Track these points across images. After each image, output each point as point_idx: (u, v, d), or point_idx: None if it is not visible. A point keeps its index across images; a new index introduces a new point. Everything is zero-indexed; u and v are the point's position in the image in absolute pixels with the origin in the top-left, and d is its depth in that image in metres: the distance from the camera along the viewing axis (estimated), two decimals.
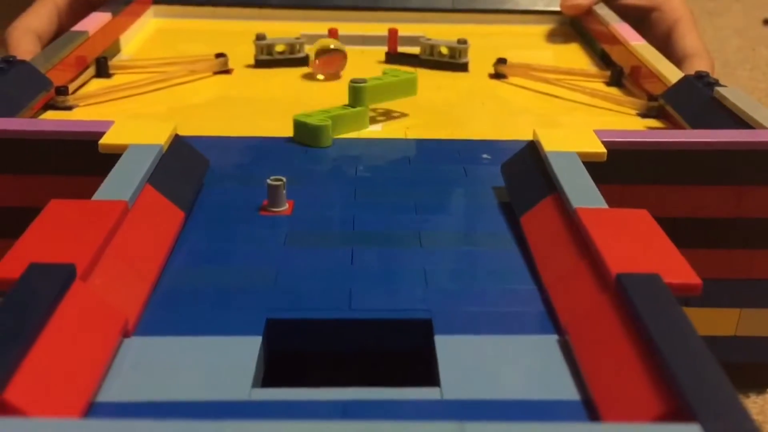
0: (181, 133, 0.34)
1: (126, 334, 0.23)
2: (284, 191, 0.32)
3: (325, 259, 0.28)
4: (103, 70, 0.50)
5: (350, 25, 0.60)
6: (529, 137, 0.34)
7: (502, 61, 0.53)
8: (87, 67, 0.50)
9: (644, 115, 0.46)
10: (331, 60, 0.51)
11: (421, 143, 0.41)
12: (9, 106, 0.38)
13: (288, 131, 0.41)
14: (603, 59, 0.57)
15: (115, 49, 0.55)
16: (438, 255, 0.29)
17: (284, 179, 0.32)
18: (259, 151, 0.39)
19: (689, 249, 0.25)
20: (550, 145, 0.32)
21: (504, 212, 0.32)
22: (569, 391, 0.21)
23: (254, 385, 0.21)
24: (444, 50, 0.54)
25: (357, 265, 0.28)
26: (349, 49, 0.55)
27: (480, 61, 0.54)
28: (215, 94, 0.49)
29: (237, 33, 0.59)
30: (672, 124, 0.43)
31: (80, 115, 0.44)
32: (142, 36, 0.60)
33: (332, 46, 0.51)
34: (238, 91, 0.49)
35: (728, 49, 0.97)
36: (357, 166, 0.37)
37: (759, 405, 0.38)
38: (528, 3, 0.64)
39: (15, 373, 0.18)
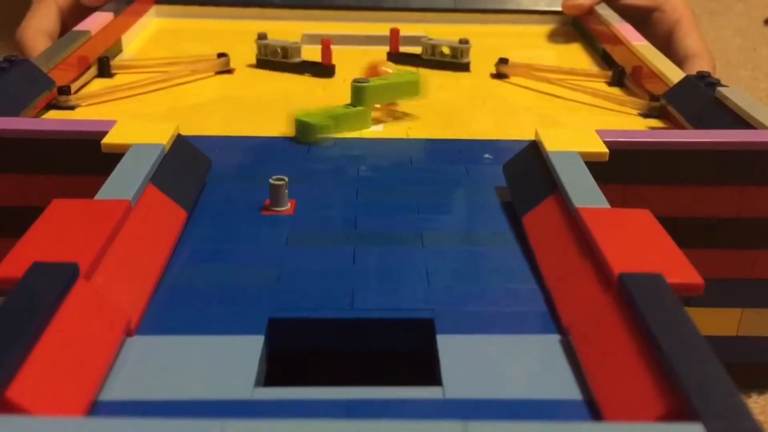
0: (184, 132, 0.35)
1: (129, 333, 0.23)
2: (286, 191, 0.32)
3: (327, 258, 0.28)
4: (105, 69, 0.50)
5: (352, 25, 0.60)
6: (531, 137, 0.34)
7: (503, 61, 0.53)
8: (89, 67, 0.50)
9: (646, 115, 0.46)
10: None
11: (422, 143, 0.41)
12: (11, 106, 0.38)
13: (290, 130, 0.41)
14: (604, 59, 0.57)
15: (117, 48, 0.55)
16: (440, 255, 0.29)
17: (286, 179, 0.32)
18: (261, 150, 0.39)
19: (691, 249, 0.25)
20: (551, 144, 0.32)
21: (506, 212, 0.32)
22: (572, 391, 0.21)
23: (257, 384, 0.21)
24: (446, 50, 0.54)
25: (359, 264, 0.28)
26: (351, 49, 0.56)
27: (482, 61, 0.54)
28: (217, 93, 0.49)
29: (239, 33, 0.59)
30: (673, 124, 0.43)
31: (82, 114, 0.44)
32: (144, 36, 0.60)
33: (383, 69, 0.47)
34: (240, 90, 0.49)
35: (730, 49, 0.97)
36: (359, 165, 0.37)
37: (761, 405, 0.38)
38: (530, 3, 0.64)
39: (18, 371, 0.18)
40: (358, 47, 0.57)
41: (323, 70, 0.52)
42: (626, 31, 0.53)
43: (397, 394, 0.21)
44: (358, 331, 0.25)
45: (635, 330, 0.21)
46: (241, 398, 0.21)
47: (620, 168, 0.33)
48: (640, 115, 0.46)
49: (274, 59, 0.53)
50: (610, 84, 0.52)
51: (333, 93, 0.48)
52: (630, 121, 0.45)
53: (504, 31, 0.63)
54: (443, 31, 0.59)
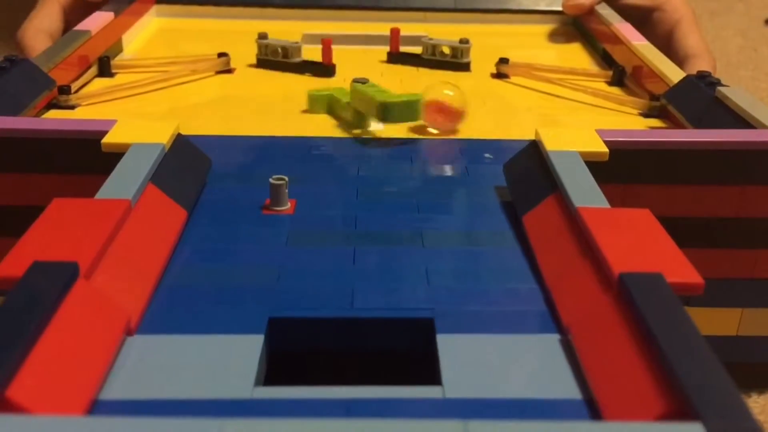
0: (184, 132, 0.35)
1: (129, 333, 0.23)
2: (286, 190, 0.32)
3: (327, 258, 0.28)
4: (105, 69, 0.50)
5: (352, 25, 0.60)
6: (531, 137, 0.34)
7: (504, 60, 0.53)
8: (89, 67, 0.50)
9: (646, 114, 0.46)
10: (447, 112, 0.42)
11: (423, 142, 0.41)
12: (12, 105, 0.38)
13: (290, 131, 0.41)
14: (605, 59, 0.57)
15: (118, 48, 0.55)
16: (440, 254, 0.29)
17: (286, 178, 0.32)
18: (261, 150, 0.39)
19: (691, 248, 0.25)
20: (552, 144, 0.32)
21: (506, 211, 0.32)
22: (571, 390, 0.21)
23: (257, 383, 0.21)
24: (446, 50, 0.54)
25: (359, 264, 0.28)
26: (351, 49, 0.56)
27: (482, 60, 0.54)
28: (217, 93, 0.49)
29: (239, 32, 0.59)
30: (674, 123, 0.43)
31: (83, 114, 0.44)
32: (145, 35, 0.60)
33: (448, 98, 0.41)
34: (241, 90, 0.49)
35: (730, 49, 0.97)
36: (359, 165, 0.37)
37: (761, 405, 0.38)
38: (530, 3, 0.64)
39: (18, 371, 0.18)
40: (358, 47, 0.57)
41: (324, 69, 0.52)
42: (626, 30, 0.53)
43: (396, 393, 0.21)
44: (357, 330, 0.25)
45: (635, 330, 0.21)
46: (240, 398, 0.21)
47: (620, 168, 0.33)
48: (641, 114, 0.46)
49: (275, 59, 0.53)
50: (611, 84, 0.52)
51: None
52: (630, 121, 0.45)
53: (504, 31, 0.63)
54: (443, 31, 0.59)
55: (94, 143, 0.32)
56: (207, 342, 0.23)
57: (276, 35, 0.54)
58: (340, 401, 0.20)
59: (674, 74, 0.45)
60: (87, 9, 0.56)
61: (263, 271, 0.27)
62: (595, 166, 0.31)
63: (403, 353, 0.25)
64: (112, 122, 0.33)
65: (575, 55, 0.59)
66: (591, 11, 0.60)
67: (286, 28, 0.58)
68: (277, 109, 0.46)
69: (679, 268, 0.23)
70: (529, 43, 0.61)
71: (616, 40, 0.54)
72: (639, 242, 0.25)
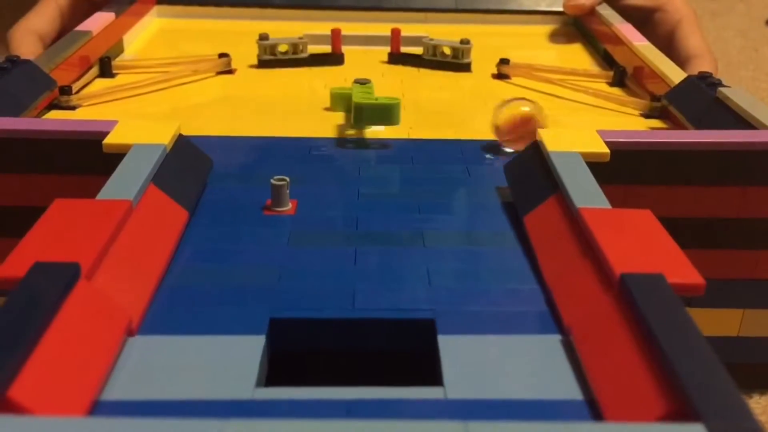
0: (185, 132, 0.35)
1: (130, 333, 0.23)
2: (288, 191, 0.32)
3: (328, 258, 0.28)
4: (106, 69, 0.50)
5: (353, 25, 0.60)
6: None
7: (504, 61, 0.53)
8: (90, 67, 0.50)
9: (647, 115, 0.46)
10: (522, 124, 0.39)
11: (424, 143, 0.41)
12: (13, 106, 0.38)
13: (291, 131, 0.41)
14: (606, 59, 0.57)
15: (119, 49, 0.55)
16: (441, 255, 0.29)
17: (288, 179, 0.32)
18: (262, 150, 0.39)
19: (692, 249, 0.25)
20: (553, 145, 0.32)
21: (507, 212, 0.32)
22: (572, 391, 0.21)
23: (258, 384, 0.21)
24: (447, 50, 0.54)
25: (360, 264, 0.28)
26: (352, 49, 0.56)
27: (483, 61, 0.54)
28: (218, 93, 0.49)
29: (240, 33, 0.59)
30: (675, 124, 0.43)
31: (84, 114, 0.44)
32: (146, 36, 0.60)
33: (524, 109, 0.39)
34: (242, 91, 0.49)
35: (731, 49, 0.96)
36: (360, 165, 0.37)
37: (762, 405, 0.38)
38: (531, 3, 0.64)
39: (19, 371, 0.18)
40: (359, 47, 0.57)
41: (334, 58, 0.53)
42: (627, 31, 0.53)
43: (398, 394, 0.21)
44: (359, 331, 0.25)
45: (636, 330, 0.21)
46: (242, 398, 0.21)
47: (621, 168, 0.33)
48: (642, 115, 0.46)
49: (283, 57, 0.53)
50: (612, 84, 0.52)
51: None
52: (631, 122, 0.45)
53: (505, 32, 0.63)
54: (444, 32, 0.59)
55: (95, 144, 0.32)
56: (208, 342, 0.23)
57: (277, 36, 0.54)
58: (341, 402, 0.20)
59: (675, 75, 0.45)
60: (87, 10, 0.56)
61: (264, 271, 0.27)
62: (596, 166, 0.31)
63: (404, 354, 0.25)
64: (114, 123, 0.34)
65: (576, 56, 0.59)
66: (592, 12, 0.60)
67: (287, 29, 0.58)
68: (278, 110, 0.46)
69: (680, 269, 0.23)
70: (530, 43, 0.61)
71: (617, 40, 0.54)
72: (640, 243, 0.25)
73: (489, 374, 0.22)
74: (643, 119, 0.45)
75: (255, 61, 0.53)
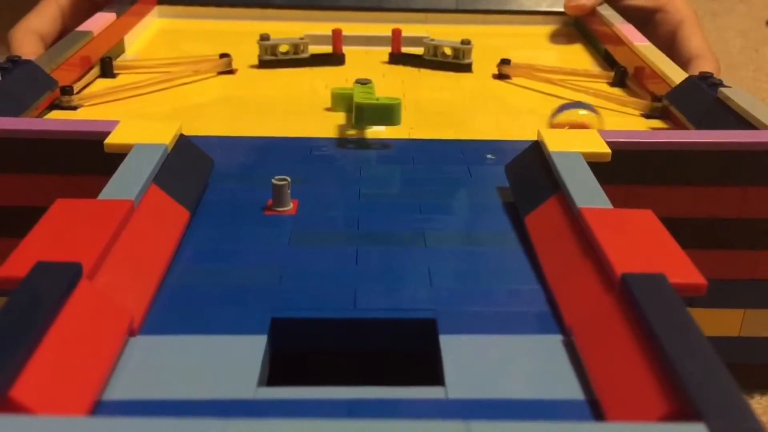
0: (186, 132, 0.35)
1: (132, 333, 0.23)
2: (289, 191, 0.32)
3: (329, 258, 0.28)
4: (107, 70, 0.50)
5: (354, 26, 0.60)
6: (533, 137, 0.34)
7: (505, 61, 0.53)
8: (92, 67, 0.50)
9: (648, 115, 0.46)
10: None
11: (425, 143, 0.41)
12: (14, 106, 0.38)
13: (292, 131, 0.41)
14: (606, 60, 0.57)
15: (120, 49, 0.55)
16: (442, 255, 0.29)
17: (289, 179, 0.32)
18: (263, 150, 0.39)
19: (694, 249, 0.25)
20: (554, 145, 0.32)
21: (508, 212, 0.32)
22: (574, 391, 0.21)
23: (259, 384, 0.21)
24: (447, 51, 0.54)
25: (361, 264, 0.28)
26: (353, 50, 0.56)
27: (483, 61, 0.54)
28: (219, 94, 0.49)
29: (241, 33, 0.59)
30: (676, 124, 0.43)
31: (85, 114, 0.44)
32: (147, 36, 0.60)
33: (582, 113, 0.40)
34: (243, 91, 0.49)
35: (732, 50, 0.96)
36: (361, 166, 0.37)
37: (763, 405, 0.38)
38: (532, 4, 0.64)
39: (21, 371, 0.18)
40: (360, 48, 0.57)
41: (335, 58, 0.53)
42: (628, 31, 0.53)
43: (399, 394, 0.21)
44: (360, 331, 0.25)
45: (638, 330, 0.21)
46: (243, 398, 0.21)
47: (622, 168, 0.33)
48: (643, 115, 0.46)
49: (284, 57, 0.53)
50: (612, 84, 0.52)
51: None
52: (632, 122, 0.45)
53: (506, 32, 0.63)
54: (445, 32, 0.59)
55: (96, 144, 0.32)
56: (210, 342, 0.23)
57: (278, 36, 0.54)
58: (343, 402, 0.20)
59: (676, 75, 0.45)
60: (88, 10, 0.56)
61: (266, 271, 0.27)
62: (597, 166, 0.31)
63: (406, 354, 0.25)
64: (115, 123, 0.34)
65: (577, 56, 0.59)
66: (593, 12, 0.60)
67: (288, 29, 0.58)
68: (279, 110, 0.46)
69: (681, 269, 0.23)
70: (531, 43, 0.61)
71: (618, 40, 0.54)
72: (641, 243, 0.25)
73: (490, 374, 0.22)
74: (644, 119, 0.45)
75: (256, 62, 0.53)
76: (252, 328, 0.24)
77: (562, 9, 0.63)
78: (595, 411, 0.20)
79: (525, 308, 0.25)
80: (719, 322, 0.36)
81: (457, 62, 0.54)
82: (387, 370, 0.25)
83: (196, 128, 0.39)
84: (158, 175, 0.30)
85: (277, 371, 0.24)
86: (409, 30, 0.57)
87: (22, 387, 0.18)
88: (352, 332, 0.25)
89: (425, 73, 0.54)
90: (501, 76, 0.53)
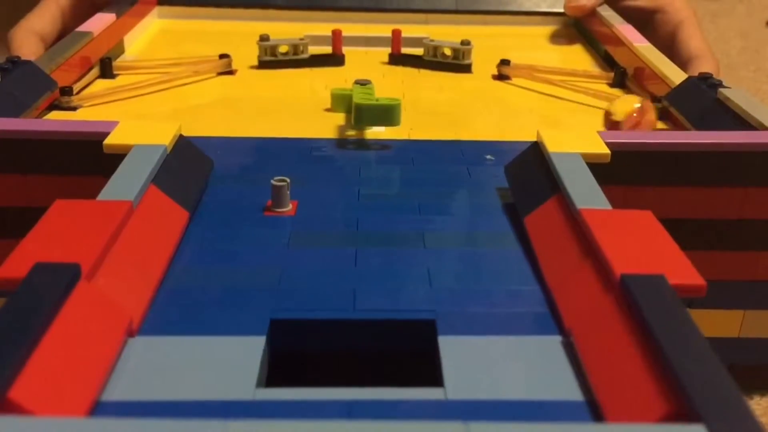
0: (186, 133, 0.35)
1: (131, 334, 0.23)
2: (288, 192, 0.32)
3: (328, 259, 0.28)
4: (107, 70, 0.50)
5: (354, 26, 0.60)
6: (533, 138, 0.34)
7: (505, 62, 0.53)
8: (91, 68, 0.50)
9: None
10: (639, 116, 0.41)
11: (424, 144, 0.41)
12: (14, 107, 0.38)
13: (291, 132, 0.41)
14: (606, 60, 0.57)
15: (120, 49, 0.55)
16: (442, 256, 0.29)
17: (288, 180, 0.32)
18: (262, 151, 0.39)
19: (693, 250, 0.25)
20: (553, 146, 0.32)
21: (507, 213, 0.32)
22: (573, 392, 0.21)
23: (258, 384, 0.21)
24: (447, 51, 0.54)
25: (361, 265, 0.28)
26: (353, 50, 0.56)
27: (483, 62, 0.54)
28: (219, 94, 0.49)
29: (241, 34, 0.59)
30: (675, 125, 0.43)
31: (84, 115, 0.44)
32: (147, 37, 0.60)
33: (636, 105, 0.41)
34: (242, 91, 0.49)
35: (731, 50, 0.97)
36: (360, 166, 0.37)
37: (763, 407, 0.38)
38: (531, 4, 0.64)
39: (20, 372, 0.18)
40: (360, 48, 0.57)
41: (335, 59, 0.53)
42: (628, 32, 0.53)
43: (398, 394, 0.21)
44: (359, 332, 0.25)
45: (637, 331, 0.21)
46: (242, 399, 0.21)
47: (622, 169, 0.33)
48: None
49: (284, 57, 0.53)
50: (612, 85, 0.52)
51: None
52: None
53: (506, 33, 0.63)
54: (445, 33, 0.59)
55: (96, 144, 0.32)
56: (209, 343, 0.23)
57: (277, 36, 0.54)
58: (342, 402, 0.20)
59: (676, 76, 0.45)
60: (88, 11, 0.56)
61: (265, 272, 0.27)
62: (596, 167, 0.31)
63: (405, 354, 0.25)
64: (114, 123, 0.34)
65: (577, 57, 0.59)
66: (592, 13, 0.60)
67: (288, 30, 0.58)
68: (279, 111, 0.46)
69: (681, 270, 0.23)
70: (531, 44, 0.61)
71: (618, 41, 0.54)
72: (641, 244, 0.25)
73: (490, 375, 0.22)
74: None
75: (256, 62, 0.53)
76: (251, 329, 0.24)
77: (561, 10, 0.63)
78: (595, 412, 0.20)
79: (524, 309, 0.25)
80: (719, 323, 0.36)
81: (456, 63, 0.54)
82: (386, 371, 0.25)
83: (196, 129, 0.39)
84: (157, 176, 0.30)
85: (276, 372, 0.24)
86: (408, 31, 0.57)
87: (20, 388, 0.18)
88: (351, 333, 0.25)
89: (425, 73, 0.54)
90: (501, 77, 0.53)
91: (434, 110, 0.47)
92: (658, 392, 0.19)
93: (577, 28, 0.64)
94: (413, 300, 0.26)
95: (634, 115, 0.41)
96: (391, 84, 0.51)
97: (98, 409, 0.20)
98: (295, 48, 0.53)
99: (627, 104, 0.41)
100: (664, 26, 0.59)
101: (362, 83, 0.43)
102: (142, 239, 0.27)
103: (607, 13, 0.58)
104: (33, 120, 0.39)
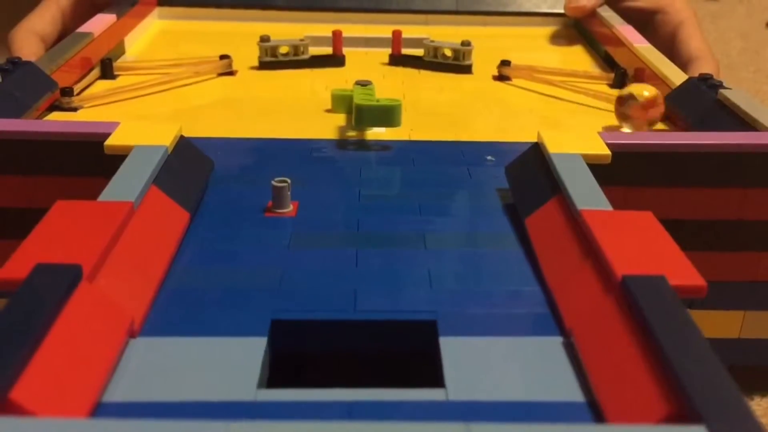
0: (186, 134, 0.35)
1: (132, 335, 0.23)
2: (289, 192, 0.32)
3: (329, 260, 0.28)
4: (107, 71, 0.50)
5: (354, 27, 0.60)
6: (533, 139, 0.34)
7: (505, 63, 0.53)
8: (92, 69, 0.50)
9: None
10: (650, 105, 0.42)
11: (425, 145, 0.41)
12: (14, 107, 0.38)
13: (292, 133, 0.41)
14: (607, 61, 0.57)
15: (120, 50, 0.55)
16: (442, 256, 0.29)
17: (289, 180, 0.32)
18: (263, 152, 0.39)
19: (693, 251, 0.25)
20: (554, 146, 0.32)
21: (508, 214, 0.32)
22: (574, 393, 0.21)
23: (259, 385, 0.21)
24: (448, 52, 0.54)
25: (361, 266, 0.28)
26: (353, 51, 0.56)
27: (484, 63, 0.54)
28: (220, 95, 0.49)
29: (241, 34, 0.59)
30: (676, 126, 0.43)
31: (85, 116, 0.44)
32: (147, 37, 0.60)
33: (646, 93, 0.42)
34: (243, 92, 0.49)
35: (732, 51, 0.97)
36: (361, 167, 0.37)
37: (763, 407, 0.38)
38: (532, 5, 0.64)
39: (22, 373, 0.18)
40: (360, 49, 0.58)
41: (335, 60, 0.53)
42: (628, 33, 0.53)
43: (399, 395, 0.21)
44: (360, 332, 0.25)
45: (638, 332, 0.21)
46: (243, 400, 0.21)
47: (622, 170, 0.33)
48: None
49: (284, 58, 0.53)
50: (612, 86, 0.52)
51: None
52: None
53: (506, 33, 0.63)
54: (445, 33, 0.59)
55: (96, 145, 0.32)
56: (210, 344, 0.23)
57: (278, 37, 0.54)
58: (343, 403, 0.20)
59: (676, 76, 0.45)
60: (88, 12, 0.56)
61: (266, 273, 0.27)
62: (597, 168, 0.31)
63: (406, 355, 0.25)
64: (115, 124, 0.34)
65: (577, 58, 0.59)
66: (593, 14, 0.60)
67: (288, 31, 0.58)
68: (280, 112, 0.46)
69: (681, 271, 0.23)
70: (531, 45, 0.61)
71: (618, 42, 0.54)
72: (641, 245, 0.25)
73: (490, 376, 0.22)
74: None
75: (256, 63, 0.53)
76: (252, 330, 0.24)
77: (562, 10, 0.63)
78: (595, 413, 0.20)
79: (525, 310, 0.25)
80: (719, 324, 0.36)
81: (457, 63, 0.54)
82: (387, 371, 0.25)
83: (197, 130, 0.39)
84: (158, 177, 0.30)
85: (277, 373, 0.24)
86: (409, 31, 0.57)
87: (22, 389, 0.18)
88: (352, 334, 0.25)
89: (425, 74, 0.54)
90: (501, 78, 0.53)
91: (435, 111, 0.47)
92: (658, 393, 0.19)
93: (577, 29, 0.64)
94: (414, 301, 0.26)
95: (658, 98, 0.42)
96: (391, 85, 0.51)
97: (99, 409, 0.20)
98: (296, 49, 0.53)
99: (647, 89, 0.42)
100: (664, 27, 0.59)
101: (363, 84, 0.43)
102: (143, 240, 0.27)
103: (607, 13, 0.58)
104: (34, 121, 0.39)
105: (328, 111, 0.45)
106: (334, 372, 0.25)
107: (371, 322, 0.25)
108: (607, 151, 0.33)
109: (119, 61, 0.53)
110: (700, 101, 0.41)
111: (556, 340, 0.24)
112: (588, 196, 0.28)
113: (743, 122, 0.37)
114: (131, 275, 0.25)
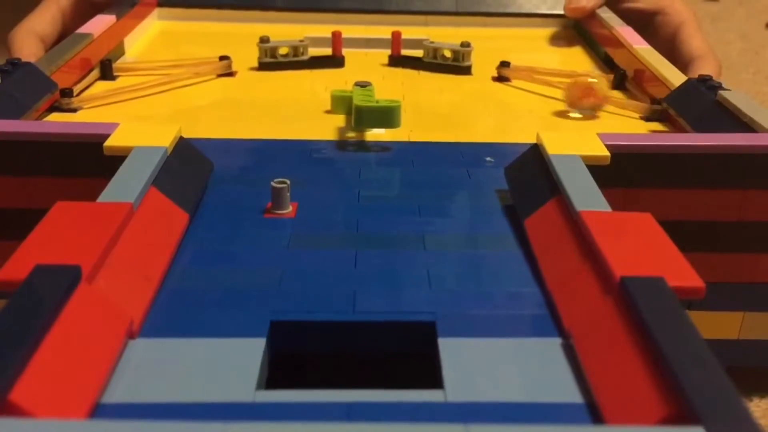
0: (186, 135, 0.35)
1: (131, 336, 0.23)
2: (288, 193, 0.32)
3: (328, 261, 0.28)
4: (107, 72, 0.50)
5: (354, 28, 0.60)
6: (533, 140, 0.34)
7: (505, 64, 0.53)
8: (91, 70, 0.50)
9: (647, 118, 0.46)
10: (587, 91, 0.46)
11: (424, 146, 0.41)
12: (14, 108, 0.38)
13: (292, 134, 0.41)
14: (606, 62, 0.57)
15: (120, 51, 0.55)
16: (442, 258, 0.29)
17: (288, 181, 0.32)
18: (262, 153, 0.39)
19: (692, 252, 0.25)
20: (553, 148, 0.32)
21: (507, 215, 0.32)
22: (573, 394, 0.21)
23: (258, 386, 0.21)
24: (447, 53, 0.54)
25: (361, 267, 0.28)
26: (353, 52, 0.56)
27: (483, 64, 0.54)
28: (219, 96, 0.49)
29: (241, 35, 0.59)
30: (675, 127, 0.43)
31: (85, 117, 0.44)
32: (147, 38, 0.60)
33: (590, 80, 0.46)
34: (242, 93, 0.49)
35: (731, 52, 0.97)
36: (360, 168, 0.37)
37: (762, 409, 0.38)
38: (531, 6, 0.65)
39: (21, 374, 0.18)
40: (359, 50, 0.58)
41: (335, 61, 0.53)
42: (628, 34, 0.53)
43: (398, 396, 0.21)
44: (359, 334, 0.25)
45: (637, 333, 0.21)
46: (242, 401, 0.21)
47: (622, 171, 0.33)
48: (642, 118, 0.46)
49: (284, 59, 0.53)
50: (612, 87, 0.52)
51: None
52: (631, 125, 0.45)
53: (506, 34, 0.63)
54: (445, 34, 0.59)
55: (96, 146, 0.32)
56: (209, 345, 0.23)
57: (277, 38, 0.54)
58: (342, 404, 0.20)
59: (675, 78, 0.45)
60: (88, 12, 0.56)
61: (265, 274, 0.27)
62: (596, 169, 0.31)
63: (405, 356, 0.25)
64: (114, 125, 0.34)
65: (577, 59, 0.59)
66: (592, 15, 0.60)
67: (288, 31, 0.58)
68: (279, 113, 0.46)
69: (680, 272, 0.23)
70: (531, 46, 0.62)
71: (618, 43, 0.54)
72: (640, 246, 0.25)
73: (489, 377, 0.22)
74: (643, 122, 0.45)
75: (256, 64, 0.53)
76: (251, 331, 0.24)
77: (561, 11, 0.63)
78: (594, 414, 0.20)
79: (524, 311, 0.25)
80: (718, 325, 0.36)
81: (456, 65, 0.54)
82: (386, 372, 0.25)
83: (196, 131, 0.39)
84: (158, 178, 0.30)
85: (276, 374, 0.24)
86: (408, 32, 0.57)
87: (21, 390, 0.18)
88: (351, 335, 0.25)
89: (425, 75, 0.54)
90: (501, 79, 0.53)
91: (434, 112, 0.47)
92: (657, 394, 0.19)
93: (577, 30, 0.64)
94: (413, 302, 0.26)
95: (595, 88, 0.46)
96: (391, 86, 0.51)
97: (99, 411, 0.20)
98: (295, 50, 0.54)
99: (595, 77, 0.46)
100: (664, 28, 0.59)
101: (362, 85, 0.43)
102: (142, 241, 0.27)
103: (606, 15, 0.58)
104: (33, 122, 0.39)
105: (327, 112, 0.45)
106: (333, 373, 0.25)
107: (370, 323, 0.25)
108: (606, 153, 0.33)
109: (119, 62, 0.54)
110: (700, 102, 0.41)
111: (555, 341, 0.24)
112: (587, 197, 0.28)
113: (743, 124, 0.37)
114: (131, 276, 0.25)
